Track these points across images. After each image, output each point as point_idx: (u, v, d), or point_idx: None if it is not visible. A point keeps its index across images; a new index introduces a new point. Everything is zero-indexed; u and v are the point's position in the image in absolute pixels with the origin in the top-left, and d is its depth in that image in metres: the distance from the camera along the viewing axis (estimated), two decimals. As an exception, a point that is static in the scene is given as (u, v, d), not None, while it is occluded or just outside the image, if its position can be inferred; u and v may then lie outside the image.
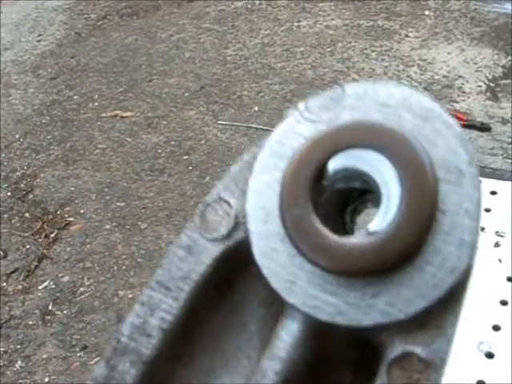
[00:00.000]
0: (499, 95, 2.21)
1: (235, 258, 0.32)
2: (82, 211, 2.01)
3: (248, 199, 0.32)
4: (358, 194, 0.33)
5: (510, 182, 1.62)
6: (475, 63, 2.44)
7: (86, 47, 2.94)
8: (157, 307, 0.32)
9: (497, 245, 1.35)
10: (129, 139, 2.29)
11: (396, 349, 0.29)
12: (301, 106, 0.32)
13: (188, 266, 0.32)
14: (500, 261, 1.30)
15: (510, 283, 1.25)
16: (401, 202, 0.29)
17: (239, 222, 0.32)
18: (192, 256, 0.32)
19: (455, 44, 2.58)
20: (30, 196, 2.11)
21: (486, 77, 2.33)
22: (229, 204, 0.32)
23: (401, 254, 0.29)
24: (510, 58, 2.43)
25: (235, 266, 0.33)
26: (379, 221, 0.29)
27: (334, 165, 0.30)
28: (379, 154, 0.29)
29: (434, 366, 0.29)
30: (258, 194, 0.32)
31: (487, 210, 1.45)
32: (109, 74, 2.71)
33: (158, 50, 2.83)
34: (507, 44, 2.51)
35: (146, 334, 0.32)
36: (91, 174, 2.16)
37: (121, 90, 2.58)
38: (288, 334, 0.30)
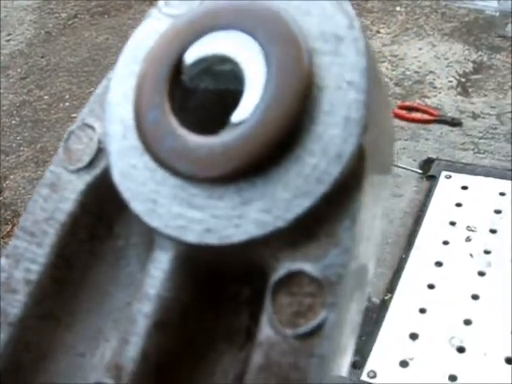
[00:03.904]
0: (470, 90, 2.23)
1: (106, 192, 0.27)
2: (52, 213, 1.99)
3: (106, 116, 0.27)
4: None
5: (481, 177, 1.63)
6: (446, 59, 2.45)
7: (57, 47, 2.90)
8: (21, 257, 0.27)
9: (468, 239, 1.35)
10: (100, 139, 2.27)
11: (281, 269, 0.23)
12: (160, 2, 0.28)
13: (52, 206, 0.27)
14: (471, 255, 1.31)
15: (481, 277, 1.25)
16: (267, 82, 0.24)
17: (103, 148, 0.27)
18: (56, 193, 0.27)
19: (426, 40, 2.59)
20: (0, 198, 2.08)
21: (456, 72, 2.34)
22: (93, 129, 0.28)
23: (272, 144, 0.23)
24: (480, 53, 2.45)
25: (109, 204, 0.28)
26: (243, 108, 0.24)
27: (190, 54, 0.25)
28: (241, 32, 0.25)
29: (329, 285, 0.23)
30: (114, 108, 0.27)
31: (458, 205, 1.46)
32: (80, 73, 2.68)
33: (129, 49, 2.81)
34: (477, 39, 2.53)
35: (10, 290, 0.26)
36: (62, 174, 2.13)
37: (92, 89, 2.55)
38: (156, 267, 0.25)
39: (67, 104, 2.50)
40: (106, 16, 3.14)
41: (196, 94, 0.26)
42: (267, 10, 0.25)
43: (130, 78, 0.27)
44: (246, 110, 0.24)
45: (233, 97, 0.26)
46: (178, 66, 0.26)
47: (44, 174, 0.28)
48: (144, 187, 0.25)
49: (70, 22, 3.13)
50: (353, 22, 0.25)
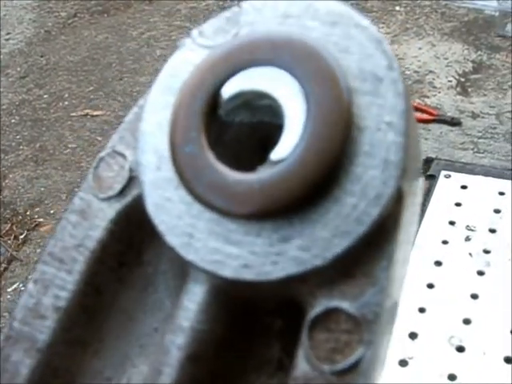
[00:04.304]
0: (469, 90, 2.23)
1: (136, 220, 0.27)
2: (51, 212, 1.99)
3: (139, 146, 0.27)
4: (278, 136, 0.27)
5: (480, 177, 1.63)
6: (446, 58, 2.45)
7: (56, 46, 2.90)
8: (50, 283, 0.27)
9: (467, 239, 1.35)
10: (99, 138, 2.27)
11: (318, 306, 0.24)
12: (194, 32, 0.28)
13: (82, 233, 0.27)
14: (470, 255, 1.31)
15: (480, 277, 1.25)
16: (307, 121, 0.24)
17: (135, 176, 0.27)
18: (86, 220, 0.27)
19: (426, 39, 2.59)
20: (-1, 197, 2.08)
21: (456, 72, 2.34)
22: (124, 157, 0.28)
23: (311, 184, 0.23)
24: (479, 52, 2.45)
25: (140, 232, 0.28)
26: (282, 147, 0.24)
27: (228, 89, 0.25)
28: (279, 69, 0.25)
29: (366, 323, 0.23)
30: (148, 138, 0.27)
31: (458, 204, 1.45)
32: (79, 72, 2.68)
33: (128, 48, 2.81)
34: (477, 39, 2.53)
35: (39, 316, 0.27)
36: (61, 173, 2.13)
37: (91, 88, 2.55)
38: (190, 299, 0.25)
39: (66, 103, 2.50)
40: (106, 15, 3.14)
41: (231, 128, 0.26)
42: (305, 47, 0.25)
43: (164, 108, 0.27)
44: (285, 148, 0.24)
45: (267, 129, 0.26)
46: (214, 100, 0.25)
47: (72, 201, 0.28)
48: (179, 221, 0.25)
49: (69, 21, 3.13)
50: (392, 63, 0.25)
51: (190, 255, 0.25)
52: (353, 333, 0.23)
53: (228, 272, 0.24)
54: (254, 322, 0.26)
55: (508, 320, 1.14)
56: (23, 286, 1.77)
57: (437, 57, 2.47)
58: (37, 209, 2.01)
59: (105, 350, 0.28)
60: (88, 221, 0.28)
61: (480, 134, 1.97)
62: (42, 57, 2.83)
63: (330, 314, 0.23)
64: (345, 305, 0.23)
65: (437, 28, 2.67)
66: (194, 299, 0.25)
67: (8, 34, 3.03)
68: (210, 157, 0.25)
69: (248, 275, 0.24)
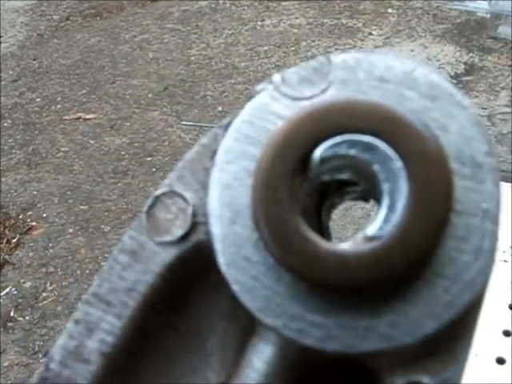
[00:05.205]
0: (461, 92, 2.23)
1: (192, 264, 0.26)
2: (44, 215, 1.98)
3: (210, 194, 0.25)
4: (336, 186, 0.27)
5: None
6: (438, 60, 2.46)
7: (49, 49, 2.90)
8: (96, 326, 0.26)
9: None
10: (92, 141, 2.26)
11: (399, 378, 0.24)
12: (276, 78, 0.26)
13: (133, 276, 0.26)
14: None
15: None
16: (408, 200, 0.23)
17: (198, 222, 0.26)
18: (138, 263, 0.26)
19: (418, 41, 2.60)
20: (-9, 201, 2.07)
21: (448, 73, 2.34)
22: (184, 199, 0.26)
23: (407, 264, 0.23)
24: (471, 54, 2.46)
25: (191, 274, 0.27)
26: (381, 223, 0.23)
27: (322, 153, 0.24)
28: (380, 140, 0.24)
29: None
30: (223, 188, 0.25)
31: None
32: (71, 75, 2.67)
33: (121, 51, 2.81)
34: (469, 41, 2.54)
35: (82, 360, 0.25)
36: (54, 177, 2.13)
37: (84, 91, 2.55)
38: (260, 359, 0.25)
39: (59, 106, 2.49)
40: (98, 18, 3.14)
41: (310, 185, 0.25)
42: (408, 121, 0.24)
43: (242, 158, 0.25)
44: (383, 226, 0.23)
45: (336, 184, 0.26)
46: (305, 161, 0.24)
47: (122, 240, 0.26)
48: (256, 282, 0.24)
49: (62, 24, 3.12)
50: (492, 150, 0.24)
51: (269, 320, 0.24)
52: None
53: (310, 341, 0.24)
54: (314, 378, 0.26)
55: (499, 321, 1.15)
56: (15, 289, 1.76)
57: (429, 58, 2.47)
58: (29, 212, 2.00)
59: None
60: (141, 264, 0.26)
61: (472, 136, 1.97)
62: (34, 60, 2.82)
63: None
64: (426, 380, 0.24)
65: (429, 30, 2.67)
66: (264, 359, 0.25)
67: (0, 37, 3.02)
68: (300, 222, 0.24)
69: (332, 346, 0.24)
